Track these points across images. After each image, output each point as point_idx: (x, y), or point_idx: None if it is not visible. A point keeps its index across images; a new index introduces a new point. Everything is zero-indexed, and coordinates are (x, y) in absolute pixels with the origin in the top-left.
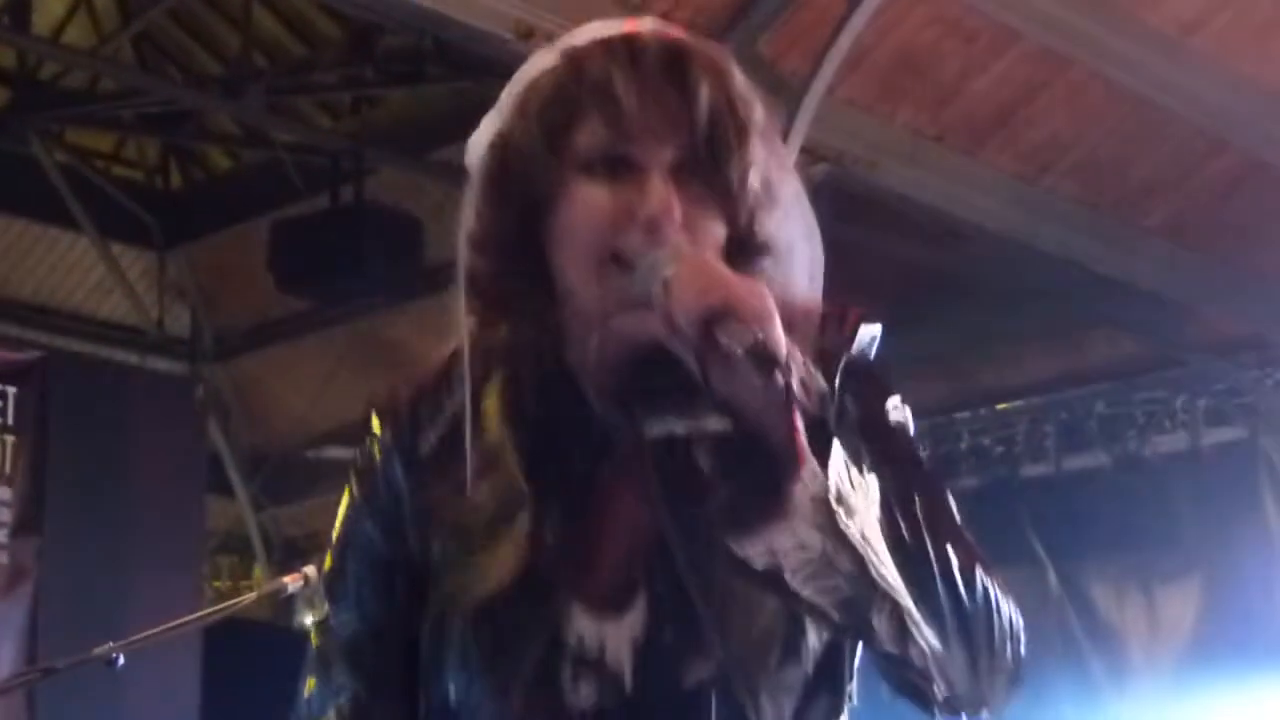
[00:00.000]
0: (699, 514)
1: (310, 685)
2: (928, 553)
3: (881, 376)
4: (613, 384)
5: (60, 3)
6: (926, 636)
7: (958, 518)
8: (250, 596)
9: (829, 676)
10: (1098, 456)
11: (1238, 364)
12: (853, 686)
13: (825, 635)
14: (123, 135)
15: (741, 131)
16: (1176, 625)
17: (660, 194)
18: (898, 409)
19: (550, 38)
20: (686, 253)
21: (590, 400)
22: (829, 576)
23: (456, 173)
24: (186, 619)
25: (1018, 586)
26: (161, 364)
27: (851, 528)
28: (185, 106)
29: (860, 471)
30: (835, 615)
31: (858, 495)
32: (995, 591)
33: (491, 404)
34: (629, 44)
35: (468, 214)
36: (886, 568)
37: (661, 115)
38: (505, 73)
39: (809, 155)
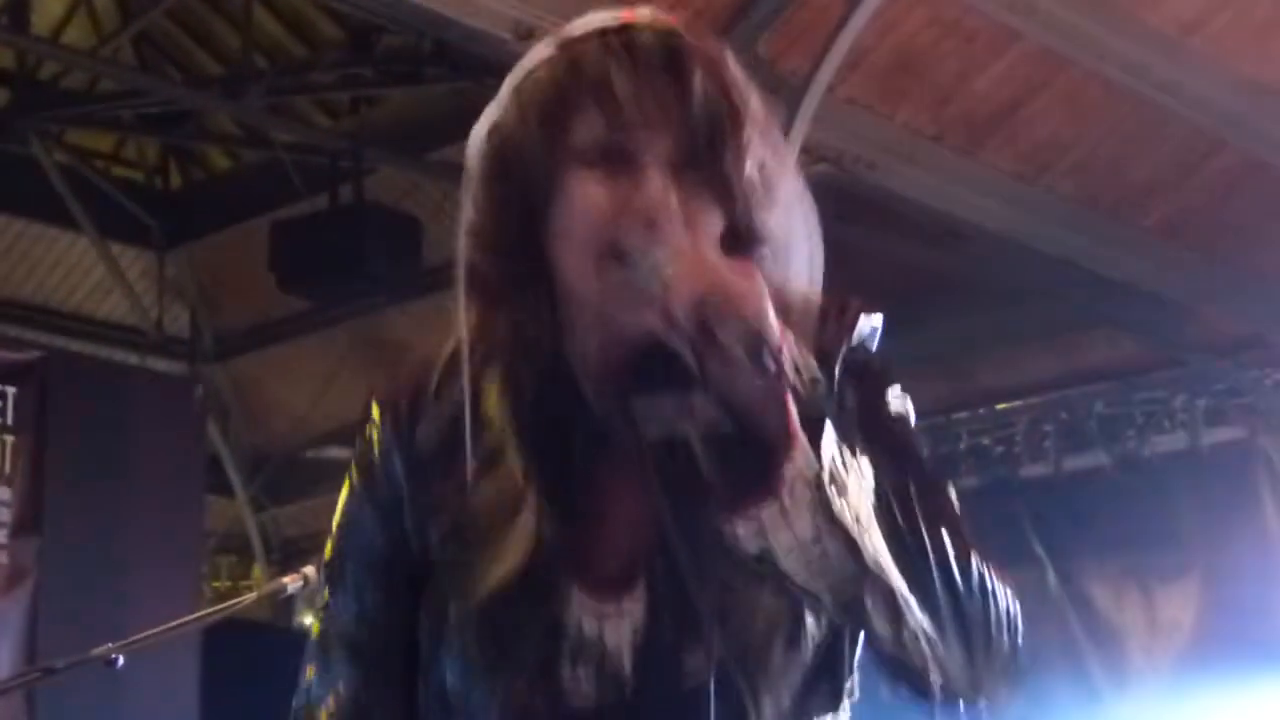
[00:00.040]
0: (699, 510)
1: (310, 672)
2: (923, 539)
3: (882, 367)
4: (610, 378)
5: (60, 3)
6: (920, 620)
7: (957, 507)
8: (250, 597)
9: (829, 668)
10: (1097, 456)
11: (1237, 364)
12: (854, 681)
13: (825, 626)
14: (122, 135)
15: (737, 122)
16: (1176, 625)
17: (657, 187)
18: (898, 398)
19: None
20: (678, 243)
21: (588, 395)
22: (821, 557)
23: (456, 172)
24: (186, 619)
25: (1017, 586)
26: (161, 364)
27: (844, 509)
28: (185, 107)
29: (854, 455)
30: (827, 596)
31: (851, 479)
32: (992, 579)
33: (492, 398)
34: (624, 36)
35: (466, 206)
36: (880, 551)
37: (657, 107)
38: (504, 73)
39: (809, 155)
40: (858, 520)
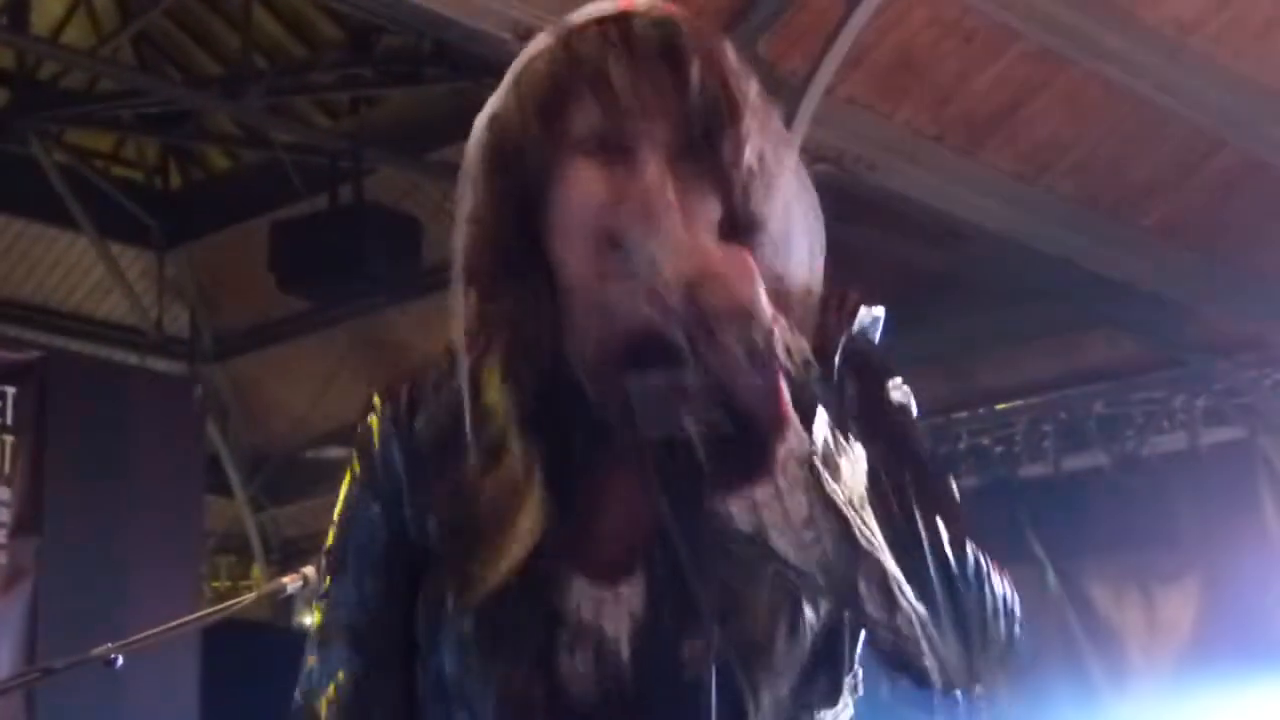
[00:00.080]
0: (698, 499)
1: (311, 661)
2: (917, 527)
3: (883, 358)
4: (609, 368)
5: (59, 3)
6: (915, 607)
7: (956, 498)
8: (249, 597)
9: (828, 660)
10: (1096, 456)
11: (1236, 364)
12: (858, 677)
13: (824, 617)
14: (122, 135)
15: (735, 110)
16: (1175, 624)
17: (654, 176)
18: (899, 390)
19: None
20: (674, 231)
21: (587, 385)
22: (814, 540)
23: (456, 173)
24: (185, 619)
25: (1016, 586)
26: (161, 364)
27: (837, 492)
28: (184, 107)
29: (847, 440)
30: (819, 578)
31: (845, 463)
32: (989, 569)
33: (493, 387)
34: (621, 24)
35: (465, 195)
36: (873, 535)
37: (654, 96)
38: (504, 73)
39: (808, 155)
40: (851, 504)
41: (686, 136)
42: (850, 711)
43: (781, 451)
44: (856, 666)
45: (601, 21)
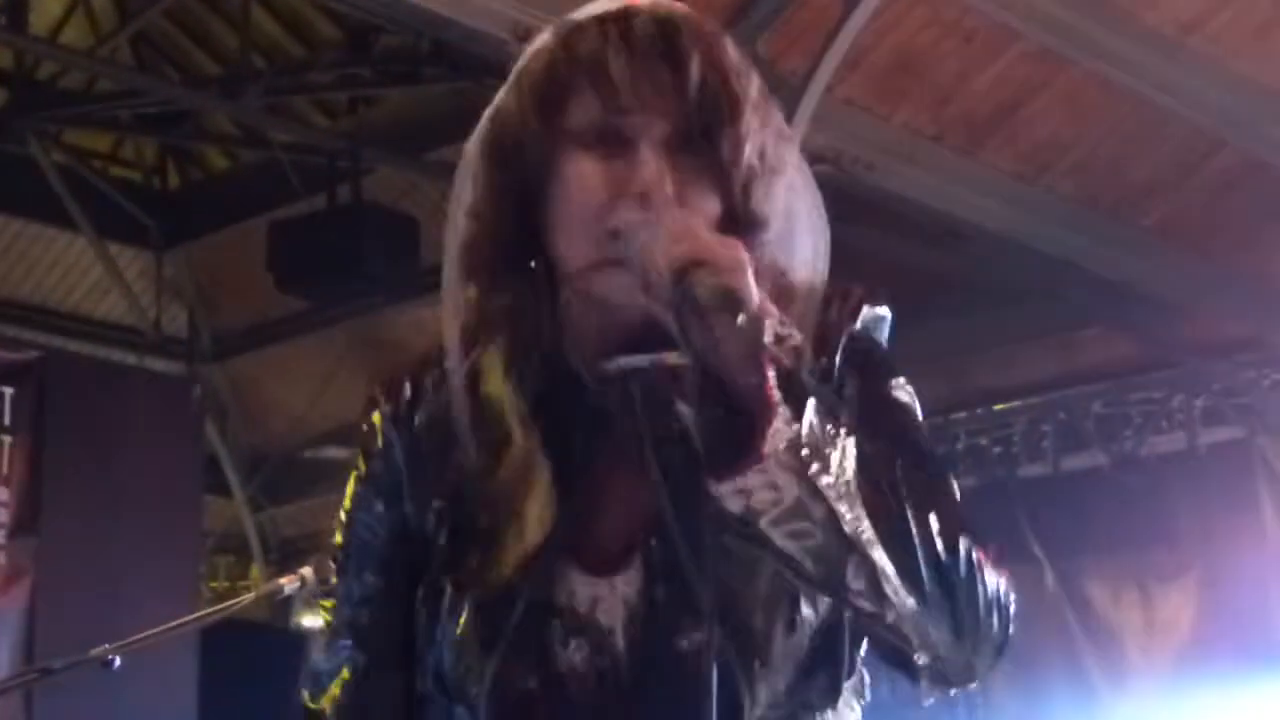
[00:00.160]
0: (697, 492)
1: (319, 659)
2: (909, 521)
3: (886, 356)
4: (606, 358)
5: (58, 3)
6: (905, 599)
7: (955, 495)
8: (248, 597)
9: (827, 657)
10: (1095, 456)
11: (1234, 364)
12: (864, 683)
13: (822, 613)
14: (120, 135)
15: (734, 104)
16: (1173, 624)
17: (651, 167)
18: (904, 390)
19: None
20: (663, 216)
21: (584, 375)
22: (802, 525)
23: (454, 173)
24: (184, 620)
25: (1015, 586)
26: (159, 364)
27: (824, 481)
28: (183, 107)
29: (838, 433)
30: (809, 566)
31: (834, 454)
32: (981, 563)
33: (493, 379)
34: (622, 21)
35: (466, 188)
36: (862, 526)
37: (653, 88)
38: (503, 73)
39: (807, 155)
40: (838, 495)
41: (686, 132)
42: (856, 715)
43: (770, 439)
44: (861, 670)
45: (602, 18)
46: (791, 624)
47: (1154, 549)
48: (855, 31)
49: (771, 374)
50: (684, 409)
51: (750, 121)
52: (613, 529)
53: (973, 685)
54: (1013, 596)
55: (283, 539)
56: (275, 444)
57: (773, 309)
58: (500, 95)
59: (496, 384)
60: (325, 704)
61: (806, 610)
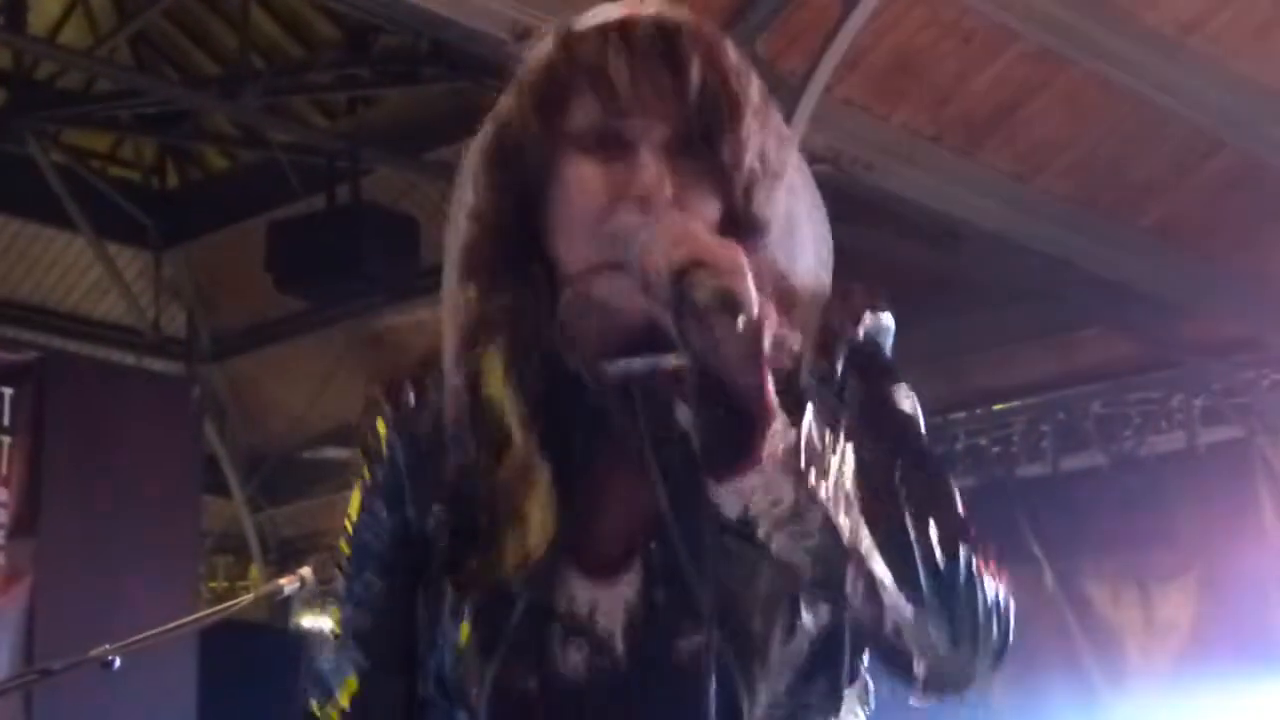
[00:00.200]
0: (697, 495)
1: (324, 663)
2: (906, 527)
3: (889, 362)
4: (602, 359)
5: (57, 2)
6: (902, 606)
7: (956, 500)
8: (247, 598)
9: (827, 661)
10: (1094, 456)
11: (1234, 364)
12: (868, 688)
13: (823, 617)
14: (119, 135)
15: (735, 108)
16: (1173, 624)
17: (651, 170)
18: (908, 397)
19: None
20: (663, 219)
21: (584, 377)
22: (799, 530)
23: (453, 173)
24: (183, 621)
25: (1014, 586)
26: (158, 364)
27: (821, 485)
28: (182, 107)
29: (836, 438)
30: (806, 570)
31: (833, 460)
32: (981, 570)
33: (495, 381)
34: (623, 24)
35: (467, 190)
36: (859, 531)
37: (654, 93)
38: (502, 73)
39: (806, 156)
40: (835, 500)
41: (686, 135)
42: None
43: (768, 442)
44: (864, 676)
45: (604, 23)
46: (791, 627)
47: (1154, 549)
48: (854, 32)
49: (770, 376)
50: (684, 411)
51: (751, 125)
52: (612, 530)
53: (970, 691)
54: (1013, 603)
55: (282, 539)
56: (274, 444)
57: (772, 311)
58: (502, 98)
59: (496, 385)
60: (332, 714)
61: (806, 614)
